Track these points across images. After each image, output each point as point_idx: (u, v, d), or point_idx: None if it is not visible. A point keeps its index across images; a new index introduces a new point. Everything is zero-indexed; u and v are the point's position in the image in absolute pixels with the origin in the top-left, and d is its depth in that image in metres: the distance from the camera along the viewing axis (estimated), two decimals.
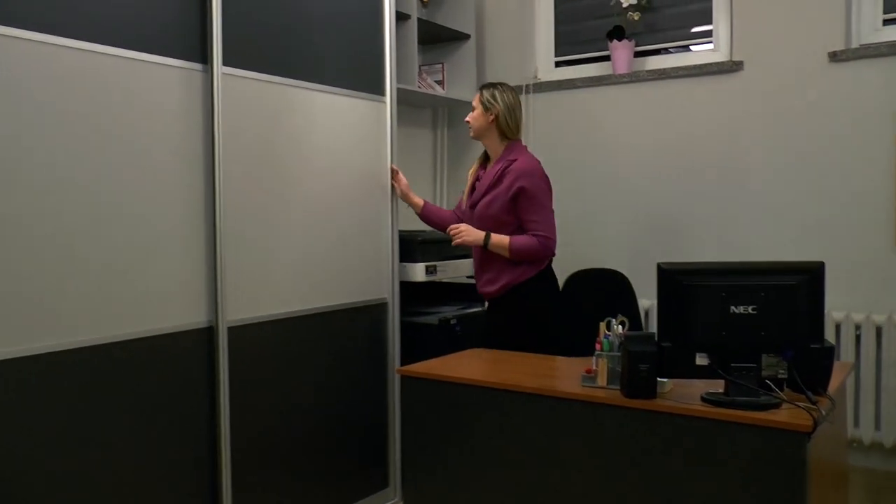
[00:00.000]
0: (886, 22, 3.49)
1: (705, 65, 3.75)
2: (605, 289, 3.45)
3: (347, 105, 3.11)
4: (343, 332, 3.14)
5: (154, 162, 2.42)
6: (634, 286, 3.45)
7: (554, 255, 3.10)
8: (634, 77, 3.92)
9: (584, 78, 4.08)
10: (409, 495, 2.59)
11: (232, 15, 2.62)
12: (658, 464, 2.10)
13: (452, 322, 3.35)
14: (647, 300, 3.68)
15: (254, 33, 2.72)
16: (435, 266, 3.42)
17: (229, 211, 2.65)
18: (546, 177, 3.08)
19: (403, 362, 3.20)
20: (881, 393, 3.46)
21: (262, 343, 2.81)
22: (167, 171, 2.46)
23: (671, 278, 2.13)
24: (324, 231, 3.02)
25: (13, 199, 2.06)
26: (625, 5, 3.91)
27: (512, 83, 4.19)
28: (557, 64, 4.28)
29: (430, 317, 3.48)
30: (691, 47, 3.92)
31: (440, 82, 4.16)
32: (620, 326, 2.30)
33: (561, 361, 2.72)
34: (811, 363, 2.05)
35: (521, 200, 3.00)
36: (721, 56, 3.75)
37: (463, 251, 3.71)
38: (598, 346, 2.30)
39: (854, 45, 3.49)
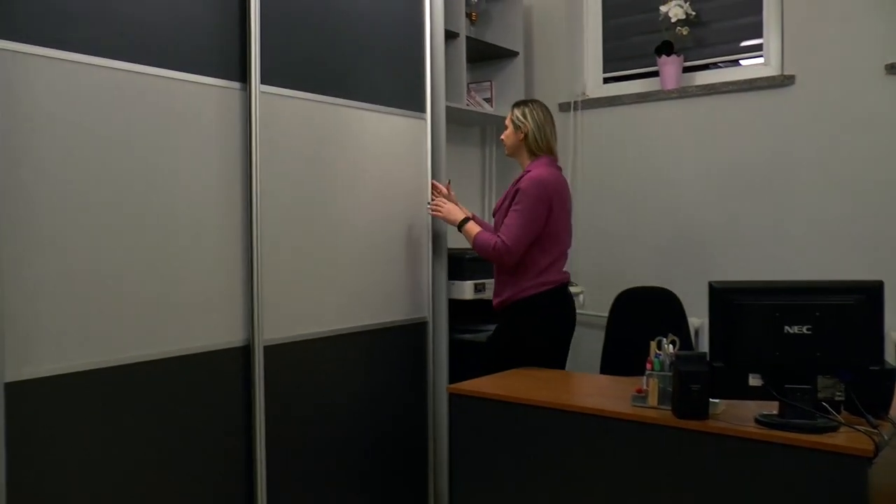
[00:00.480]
0: None
1: (755, 79, 3.70)
2: (655, 307, 3.42)
3: (387, 122, 3.11)
4: (382, 352, 3.12)
5: (192, 180, 2.43)
6: (684, 304, 3.41)
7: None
8: (683, 93, 3.89)
9: (633, 94, 4.06)
10: None
11: (271, 34, 2.64)
12: (710, 486, 2.07)
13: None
14: (696, 319, 3.63)
15: (293, 51, 2.73)
16: (483, 284, 3.42)
17: (266, 229, 2.65)
18: (552, 190, 2.99)
19: (452, 380, 3.21)
20: None
21: (299, 363, 2.79)
22: (205, 190, 2.47)
23: (723, 297, 2.11)
24: (362, 249, 3.02)
25: (53, 218, 2.10)
26: (673, 20, 3.88)
27: (560, 100, 4.24)
28: (605, 80, 4.26)
29: (479, 335, 3.48)
30: (741, 61, 3.88)
31: (488, 100, 4.18)
32: (671, 346, 2.28)
33: (611, 380, 2.71)
34: (871, 385, 2.00)
35: (513, 201, 3.00)
36: (772, 70, 3.70)
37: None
38: (648, 366, 2.28)
39: None
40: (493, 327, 3.49)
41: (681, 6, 3.86)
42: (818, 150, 3.56)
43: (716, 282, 2.14)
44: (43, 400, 2.09)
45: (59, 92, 2.10)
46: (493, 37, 4.18)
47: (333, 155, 2.90)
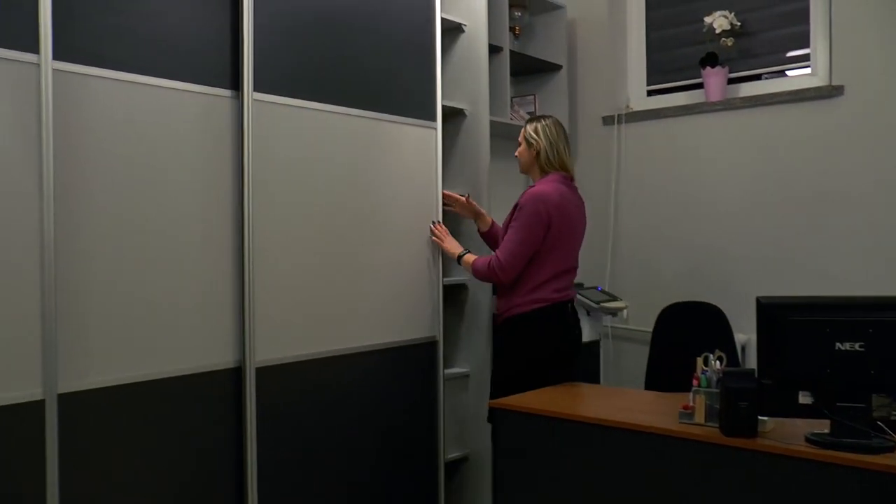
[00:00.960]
0: None
1: (802, 90, 3.64)
2: (700, 322, 3.38)
3: (393, 131, 2.98)
4: (387, 374, 2.96)
5: (180, 193, 2.34)
6: (731, 320, 3.36)
7: (501, 282, 2.99)
8: (728, 105, 3.85)
9: (676, 107, 4.02)
10: None
11: (265, 39, 2.53)
12: None
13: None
14: (742, 334, 3.58)
15: (288, 57, 2.61)
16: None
17: (260, 243, 2.52)
18: (551, 206, 2.91)
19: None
20: None
21: (295, 385, 2.64)
22: (194, 202, 2.37)
23: (771, 313, 2.09)
24: (365, 265, 2.88)
25: (34, 234, 2.05)
26: (718, 31, 3.85)
27: (603, 113, 4.23)
28: (649, 93, 4.24)
29: None
30: (787, 72, 3.83)
31: (532, 114, 4.18)
32: (718, 362, 2.25)
33: (656, 396, 2.68)
34: None
35: (513, 218, 2.97)
36: (819, 81, 3.65)
37: None
38: (695, 382, 2.25)
39: None
40: None
41: (726, 17, 3.83)
42: (868, 163, 3.49)
43: (763, 297, 2.11)
44: (31, 422, 2.03)
45: (45, 101, 2.05)
46: (537, 50, 4.19)
47: (333, 166, 2.76)
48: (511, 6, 3.87)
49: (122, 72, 2.22)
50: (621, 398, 2.63)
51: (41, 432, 2.06)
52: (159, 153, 2.30)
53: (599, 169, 4.25)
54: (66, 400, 2.11)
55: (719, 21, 3.83)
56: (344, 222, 2.81)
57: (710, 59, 3.88)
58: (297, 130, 2.65)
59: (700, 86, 3.99)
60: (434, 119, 3.17)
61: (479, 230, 3.34)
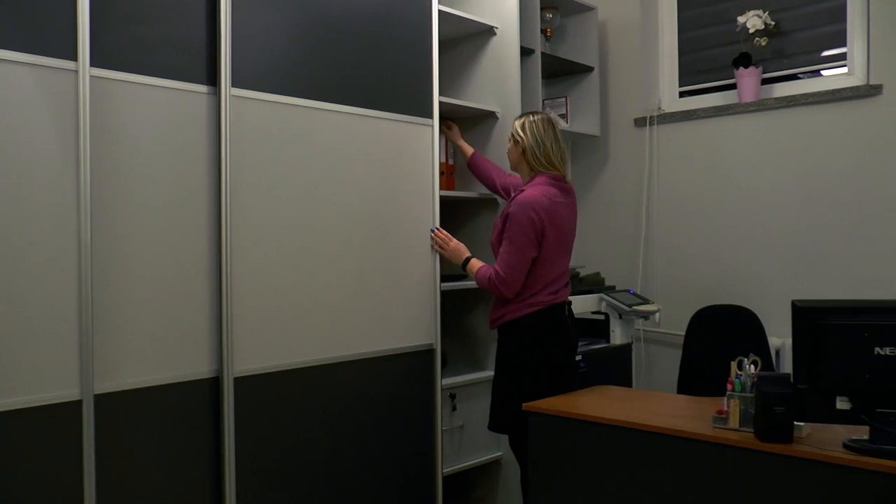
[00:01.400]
0: None
1: (839, 90, 3.59)
2: (733, 326, 3.34)
3: (386, 128, 2.86)
4: (379, 384, 2.84)
5: (153, 193, 2.25)
6: (765, 324, 3.32)
7: (504, 296, 2.88)
8: (762, 105, 3.80)
9: (709, 108, 3.99)
10: None
11: (243, 32, 2.42)
12: None
13: (577, 358, 3.32)
14: (777, 338, 3.53)
15: (268, 51, 2.49)
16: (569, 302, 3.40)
17: (238, 246, 2.41)
18: (543, 215, 2.82)
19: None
20: None
21: (277, 397, 2.52)
22: (168, 202, 2.28)
23: (807, 316, 2.06)
24: (355, 269, 2.75)
25: (71, 239, 2.07)
26: (751, 31, 3.81)
27: (635, 115, 4.20)
28: (681, 94, 4.20)
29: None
30: (822, 72, 3.77)
31: (564, 116, 4.17)
32: (753, 366, 2.23)
33: (689, 401, 2.66)
34: None
35: (505, 226, 2.88)
36: (857, 80, 3.59)
37: (586, 287, 3.69)
38: (729, 386, 2.23)
39: None
40: None
41: (759, 16, 3.79)
42: None
43: (799, 300, 2.09)
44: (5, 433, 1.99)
45: (15, 96, 2.00)
46: (568, 52, 4.18)
47: (320, 165, 2.64)
48: (542, 8, 3.86)
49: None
50: (654, 402, 2.61)
51: (78, 431, 2.10)
52: (131, 152, 2.21)
53: (631, 171, 4.23)
54: (101, 401, 2.14)
55: (753, 21, 3.79)
56: (332, 224, 2.69)
57: (744, 60, 3.84)
58: (279, 128, 2.53)
59: (733, 86, 3.95)
60: (430, 116, 3.04)
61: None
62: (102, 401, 2.15)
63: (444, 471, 3.13)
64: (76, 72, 2.10)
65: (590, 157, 4.41)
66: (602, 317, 3.68)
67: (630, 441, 2.31)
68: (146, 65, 2.24)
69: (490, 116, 3.45)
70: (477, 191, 3.42)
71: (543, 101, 4.02)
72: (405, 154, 2.95)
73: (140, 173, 2.23)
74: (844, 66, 3.68)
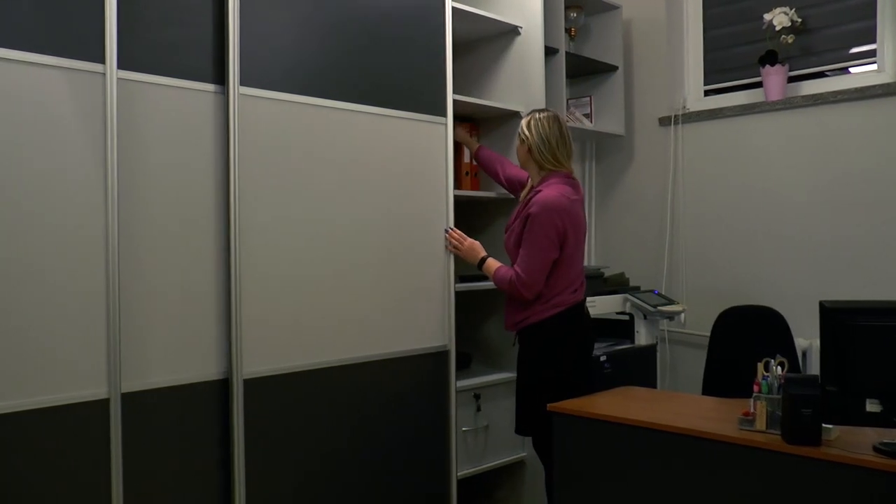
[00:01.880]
0: None
1: (868, 87, 3.54)
2: (759, 327, 3.31)
3: (398, 127, 2.82)
4: (392, 386, 2.81)
5: (161, 193, 2.24)
6: (791, 324, 3.28)
7: (525, 298, 2.85)
8: (788, 104, 3.76)
9: (735, 106, 3.95)
10: None
11: (251, 30, 2.41)
12: None
13: (602, 359, 3.31)
14: (804, 339, 3.49)
15: (277, 49, 2.47)
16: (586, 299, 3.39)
17: (248, 247, 2.39)
18: (564, 215, 2.81)
19: None
20: None
21: (287, 399, 2.50)
22: (176, 202, 2.28)
23: (835, 317, 2.04)
24: (367, 270, 2.73)
25: (99, 240, 2.10)
26: (778, 28, 3.77)
27: (660, 114, 4.17)
28: (706, 93, 4.17)
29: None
30: (851, 69, 3.73)
31: (588, 115, 4.15)
32: (779, 367, 2.21)
33: (715, 402, 2.64)
34: None
35: (525, 228, 2.85)
36: (887, 77, 3.54)
37: (610, 288, 3.68)
38: (756, 388, 2.21)
39: None
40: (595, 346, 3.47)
41: (786, 14, 3.74)
42: None
43: (827, 301, 2.07)
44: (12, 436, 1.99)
45: (35, 99, 2.01)
46: (593, 51, 4.16)
47: (331, 164, 2.62)
48: (567, 7, 3.85)
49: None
50: (679, 403, 2.59)
51: (106, 428, 2.13)
52: (137, 152, 2.20)
53: (656, 171, 4.20)
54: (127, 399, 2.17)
55: (779, 18, 3.75)
56: (343, 224, 2.66)
57: (770, 58, 3.80)
58: (289, 127, 2.50)
59: (759, 85, 3.91)
60: (444, 114, 3.00)
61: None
62: (129, 399, 2.18)
63: (468, 472, 3.14)
64: (104, 74, 2.12)
65: (614, 157, 4.39)
66: (627, 317, 3.66)
67: (655, 442, 2.30)
68: (158, 65, 2.25)
69: (514, 116, 3.45)
70: (496, 191, 3.41)
71: (568, 100, 4.01)
72: (418, 153, 2.93)
73: (157, 174, 2.25)
74: (874, 63, 3.63)
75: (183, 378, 2.29)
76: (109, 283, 2.13)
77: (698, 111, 4.09)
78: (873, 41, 3.62)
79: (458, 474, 3.07)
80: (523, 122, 2.96)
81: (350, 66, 2.69)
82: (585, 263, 3.24)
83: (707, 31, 4.18)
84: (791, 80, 3.82)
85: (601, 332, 3.66)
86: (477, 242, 3.05)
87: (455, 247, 3.03)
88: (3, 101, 1.97)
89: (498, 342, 3.48)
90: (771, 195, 3.81)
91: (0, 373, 1.96)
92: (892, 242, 3.47)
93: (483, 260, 3.00)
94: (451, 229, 3.04)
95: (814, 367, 3.41)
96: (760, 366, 2.22)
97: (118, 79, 2.15)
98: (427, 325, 2.95)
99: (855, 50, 3.70)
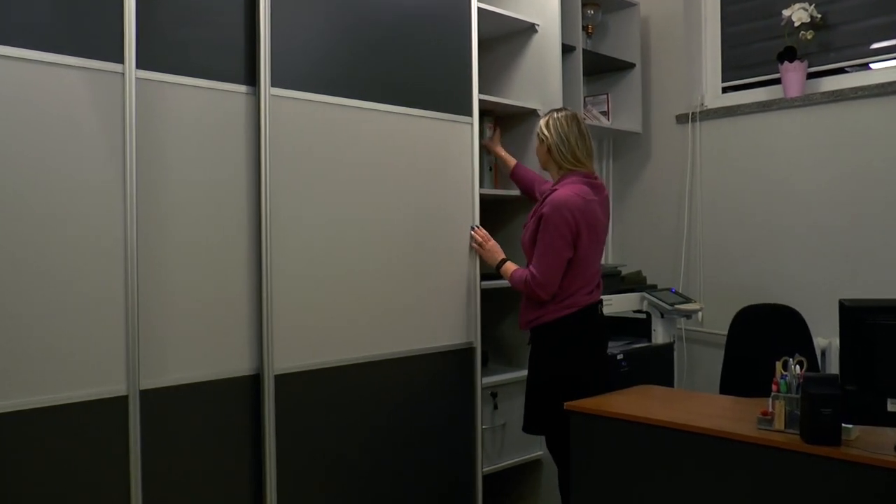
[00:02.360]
0: None
1: (889, 83, 3.50)
2: (777, 325, 3.29)
3: (424, 126, 2.85)
4: (419, 382, 2.84)
5: (193, 192, 2.28)
6: (810, 323, 3.26)
7: (541, 298, 2.84)
8: (807, 100, 3.73)
9: (753, 103, 3.92)
10: None
11: (282, 31, 2.44)
12: None
13: (619, 357, 3.29)
14: (822, 338, 3.46)
15: (307, 50, 2.51)
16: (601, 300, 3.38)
17: (279, 245, 2.43)
18: (578, 215, 2.78)
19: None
20: None
21: (317, 394, 2.53)
22: (208, 202, 2.31)
23: (855, 316, 2.01)
24: (395, 267, 2.77)
25: (118, 239, 2.13)
26: (797, 24, 3.74)
27: (677, 111, 4.15)
28: (724, 90, 4.14)
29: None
30: (871, 65, 3.69)
31: (605, 113, 4.14)
32: (798, 366, 2.19)
33: (733, 401, 2.62)
34: None
35: (539, 228, 2.83)
36: None
37: (627, 286, 3.66)
38: (774, 387, 2.19)
39: None
40: (611, 344, 3.45)
41: (805, 9, 3.71)
42: None
43: (847, 300, 2.04)
44: (47, 430, 2.03)
45: (57, 99, 2.04)
46: (610, 49, 4.15)
47: (360, 163, 2.65)
48: (584, 5, 3.84)
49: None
50: (697, 402, 2.58)
51: (125, 426, 2.15)
52: (170, 153, 2.25)
53: (673, 168, 4.18)
54: (146, 396, 2.19)
55: (798, 14, 3.72)
56: (372, 222, 2.70)
57: (789, 54, 3.77)
58: (318, 127, 2.55)
59: (777, 81, 3.89)
60: (470, 114, 3.03)
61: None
62: (148, 396, 2.19)
63: (487, 469, 3.14)
64: (123, 74, 2.14)
65: (631, 155, 4.37)
66: (644, 316, 3.65)
67: (672, 442, 2.29)
68: (187, 66, 2.27)
69: (531, 114, 3.44)
70: (517, 189, 3.40)
71: (585, 98, 3.99)
72: (445, 152, 2.96)
73: (182, 173, 2.27)
74: (895, 58, 3.59)
75: (213, 374, 2.33)
76: (128, 282, 2.15)
77: (716, 108, 4.07)
78: (894, 36, 3.59)
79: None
80: (542, 122, 2.96)
81: (377, 66, 2.72)
82: (602, 262, 3.23)
83: (725, 27, 4.15)
84: (810, 76, 3.79)
85: (618, 331, 3.65)
86: (498, 245, 3.06)
87: (479, 244, 3.04)
88: (21, 102, 1.99)
89: (514, 340, 3.48)
90: (789, 193, 3.79)
91: (27, 369, 1.99)
92: None
93: (501, 262, 3.01)
94: (477, 227, 3.06)
95: (833, 367, 3.38)
96: (779, 364, 2.21)
97: (140, 79, 2.17)
98: (453, 323, 2.98)
99: (876, 45, 3.67)
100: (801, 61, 3.76)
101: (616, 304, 3.48)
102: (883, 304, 2.04)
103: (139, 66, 2.17)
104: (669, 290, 3.74)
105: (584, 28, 3.98)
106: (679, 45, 4.19)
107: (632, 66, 4.14)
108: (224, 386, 2.35)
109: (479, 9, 3.10)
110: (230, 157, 2.37)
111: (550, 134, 2.90)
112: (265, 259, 2.42)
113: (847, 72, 3.76)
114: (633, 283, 3.73)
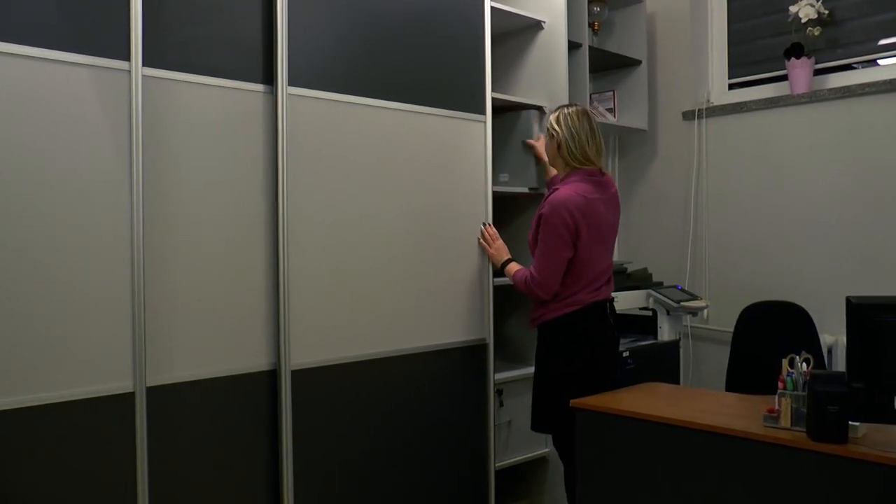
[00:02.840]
0: None
1: None
2: (783, 323, 3.28)
3: (438, 125, 2.89)
4: (433, 378, 2.88)
5: (210, 190, 2.31)
6: (816, 320, 3.25)
7: (541, 298, 2.84)
8: (814, 97, 3.72)
9: (760, 100, 3.91)
10: None
11: (300, 30, 2.47)
12: None
13: (625, 355, 3.29)
14: (829, 336, 3.45)
15: (324, 49, 2.54)
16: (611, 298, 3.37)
17: (296, 242, 2.47)
18: (577, 215, 2.76)
19: None
20: None
21: (333, 389, 2.57)
22: (225, 199, 2.34)
23: (862, 313, 2.01)
24: (409, 264, 2.80)
25: (125, 236, 2.14)
26: (804, 20, 3.72)
27: (683, 108, 4.14)
28: (731, 86, 4.13)
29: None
30: (879, 61, 3.68)
31: (611, 110, 4.13)
32: (805, 364, 2.18)
33: (739, 399, 2.61)
34: None
35: (539, 228, 2.83)
36: None
37: (633, 283, 3.66)
38: (780, 385, 2.19)
39: None
40: None
41: (812, 5, 3.70)
42: None
43: (854, 297, 2.04)
44: (45, 429, 2.03)
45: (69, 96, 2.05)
46: (616, 45, 4.14)
47: (375, 162, 2.69)
48: (590, 2, 3.84)
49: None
50: (703, 400, 2.58)
51: (132, 423, 2.16)
52: (187, 151, 2.27)
53: (679, 165, 4.17)
54: (154, 393, 2.20)
55: (805, 10, 3.71)
56: (387, 220, 2.74)
57: (795, 50, 3.76)
58: (335, 126, 2.58)
59: (784, 78, 3.87)
60: (483, 112, 3.06)
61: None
62: (156, 393, 2.20)
63: (496, 465, 3.15)
64: (129, 72, 2.14)
65: (637, 152, 4.36)
66: (650, 313, 3.64)
67: (678, 439, 2.29)
68: (202, 65, 2.29)
69: (538, 111, 3.43)
70: (527, 185, 3.40)
71: (591, 94, 3.99)
72: (458, 150, 2.99)
73: (195, 172, 2.29)
74: None
75: (226, 370, 2.36)
76: (134, 279, 2.16)
77: (722, 105, 4.06)
78: None
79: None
80: (552, 118, 2.93)
81: (392, 65, 2.75)
82: None
83: (731, 23, 4.14)
84: (817, 72, 3.78)
85: (624, 328, 3.64)
86: (505, 245, 3.06)
87: (486, 242, 3.05)
88: (27, 100, 1.99)
89: (520, 338, 3.48)
90: (796, 190, 3.77)
91: (43, 365, 2.01)
92: None
93: (506, 262, 3.01)
94: (488, 225, 3.06)
95: (839, 364, 3.37)
96: (785, 362, 2.20)
97: (147, 76, 2.18)
98: (466, 319, 3.02)
99: (883, 42, 3.65)
100: (809, 57, 3.74)
101: (622, 302, 3.46)
102: (890, 301, 2.04)
103: (147, 63, 2.18)
104: (675, 287, 3.74)
105: (591, 25, 3.98)
106: (685, 42, 4.17)
107: (638, 62, 4.13)
108: (239, 382, 2.38)
109: (494, 8, 3.10)
110: (245, 155, 2.40)
111: (561, 130, 2.86)
112: (282, 256, 2.44)
113: (854, 68, 3.74)
114: (639, 280, 3.72)
